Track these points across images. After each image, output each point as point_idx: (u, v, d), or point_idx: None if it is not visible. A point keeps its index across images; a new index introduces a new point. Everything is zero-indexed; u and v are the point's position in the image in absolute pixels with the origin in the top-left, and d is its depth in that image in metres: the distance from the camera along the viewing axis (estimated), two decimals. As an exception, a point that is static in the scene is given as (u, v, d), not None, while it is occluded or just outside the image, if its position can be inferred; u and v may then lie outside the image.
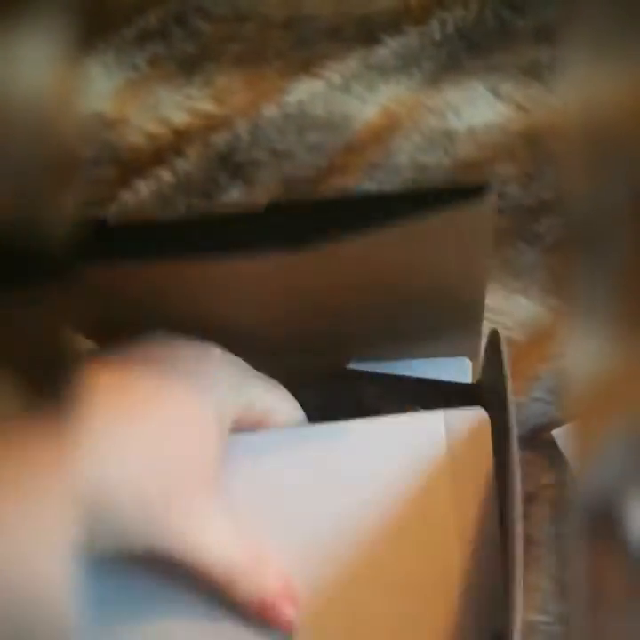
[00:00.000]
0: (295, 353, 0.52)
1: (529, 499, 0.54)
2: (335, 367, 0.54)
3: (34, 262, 0.23)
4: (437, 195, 0.39)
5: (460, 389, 0.49)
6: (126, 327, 0.49)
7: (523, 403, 0.57)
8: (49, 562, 0.23)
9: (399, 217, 0.38)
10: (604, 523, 0.26)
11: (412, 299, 0.46)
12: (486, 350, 0.48)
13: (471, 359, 0.51)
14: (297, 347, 0.51)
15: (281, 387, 0.47)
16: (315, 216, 0.40)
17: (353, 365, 0.54)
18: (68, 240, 0.23)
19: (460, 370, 0.51)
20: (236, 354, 0.51)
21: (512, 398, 0.43)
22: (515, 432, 0.42)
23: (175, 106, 0.75)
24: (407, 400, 0.52)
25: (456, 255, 0.43)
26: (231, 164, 0.72)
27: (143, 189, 0.71)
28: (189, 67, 0.78)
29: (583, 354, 0.26)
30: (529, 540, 0.53)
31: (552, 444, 0.56)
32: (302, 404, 0.53)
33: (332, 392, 0.54)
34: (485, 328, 0.49)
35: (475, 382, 0.51)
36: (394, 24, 0.78)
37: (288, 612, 0.41)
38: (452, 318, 0.48)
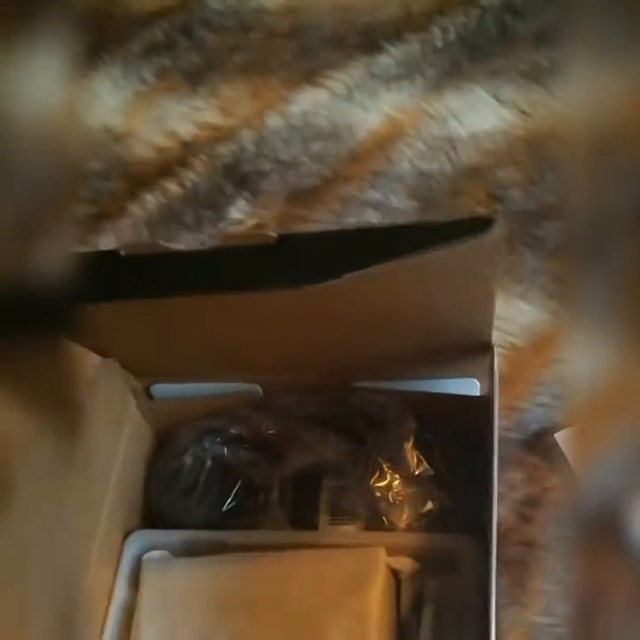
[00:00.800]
0: (305, 371, 0.53)
1: (532, 503, 0.55)
2: (346, 384, 0.55)
3: (33, 308, 0.23)
4: (446, 227, 0.40)
5: (463, 403, 0.50)
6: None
7: (526, 408, 0.58)
8: None
9: (409, 249, 0.39)
10: (606, 527, 0.26)
11: (420, 326, 0.47)
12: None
13: (480, 379, 0.52)
14: (306, 366, 0.53)
15: None
16: (326, 249, 0.41)
17: (360, 383, 0.55)
18: (67, 279, 0.24)
19: (468, 390, 0.52)
20: (251, 371, 0.53)
21: (496, 417, 0.45)
22: (495, 448, 0.45)
23: (181, 117, 0.76)
24: (411, 411, 0.53)
25: (464, 285, 0.44)
26: (237, 175, 0.73)
27: (150, 201, 0.72)
28: (195, 78, 0.79)
29: (585, 359, 0.27)
30: (533, 544, 0.54)
31: (555, 447, 0.57)
32: (312, 417, 0.55)
33: (341, 404, 0.55)
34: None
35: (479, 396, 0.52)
36: (396, 32, 0.79)
37: None
38: (461, 342, 0.48)
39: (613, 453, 0.27)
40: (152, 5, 0.84)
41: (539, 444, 0.57)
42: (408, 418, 0.54)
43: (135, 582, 0.53)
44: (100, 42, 0.82)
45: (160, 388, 0.57)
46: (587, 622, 0.27)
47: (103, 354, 0.54)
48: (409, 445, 0.53)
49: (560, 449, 0.57)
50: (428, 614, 0.48)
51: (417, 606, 0.49)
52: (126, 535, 0.54)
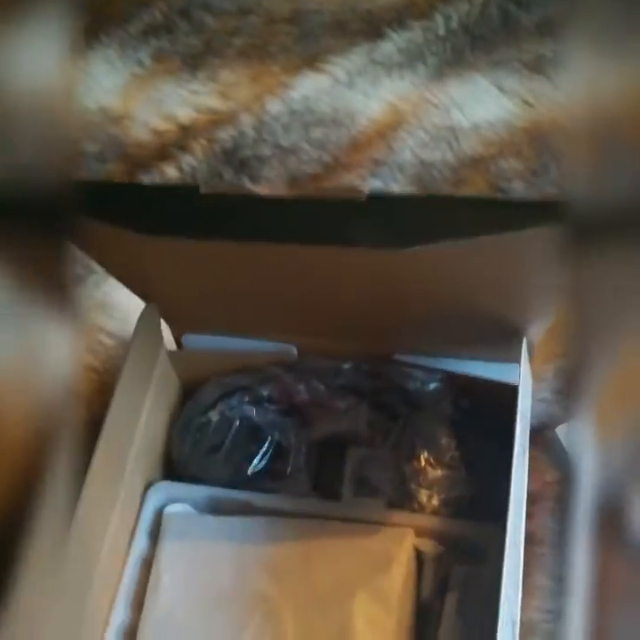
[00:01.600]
0: (343, 337, 0.52)
1: (533, 497, 0.54)
2: (385, 356, 0.54)
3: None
4: (519, 206, 0.39)
5: (501, 389, 0.48)
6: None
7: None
8: None
9: (482, 227, 0.38)
10: (608, 521, 0.26)
11: (469, 303, 0.46)
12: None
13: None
14: (346, 331, 0.51)
15: None
16: (399, 214, 0.40)
17: (400, 356, 0.54)
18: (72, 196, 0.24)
19: (510, 376, 0.50)
20: (288, 330, 0.52)
21: (525, 396, 0.44)
22: (523, 422, 0.44)
23: (180, 101, 0.75)
24: (449, 392, 0.52)
25: (523, 269, 0.43)
26: (236, 160, 0.72)
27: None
28: (194, 61, 0.78)
29: (588, 351, 0.26)
30: (532, 539, 0.53)
31: (556, 442, 0.57)
32: (345, 386, 0.54)
33: (377, 375, 0.54)
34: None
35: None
36: (398, 19, 0.78)
37: None
38: (504, 326, 0.48)
39: (614, 449, 0.26)
40: (151, -14, 0.82)
41: (539, 438, 0.57)
42: (446, 399, 0.53)
43: (155, 533, 0.53)
44: (98, 23, 0.80)
45: (192, 339, 0.56)
46: (587, 617, 0.27)
47: (145, 299, 0.54)
48: (444, 428, 0.52)
49: (561, 443, 0.57)
50: (451, 600, 0.47)
51: (441, 590, 0.49)
52: (147, 486, 0.54)
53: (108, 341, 0.65)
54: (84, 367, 0.64)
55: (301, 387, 0.54)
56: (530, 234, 0.38)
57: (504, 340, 0.47)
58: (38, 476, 0.25)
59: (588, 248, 0.27)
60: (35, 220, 0.24)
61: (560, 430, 0.57)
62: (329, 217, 0.41)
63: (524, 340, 0.47)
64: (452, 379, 0.53)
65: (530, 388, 0.50)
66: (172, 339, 0.56)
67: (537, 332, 0.49)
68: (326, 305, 0.49)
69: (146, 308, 0.53)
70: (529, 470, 0.55)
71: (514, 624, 0.42)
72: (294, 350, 0.55)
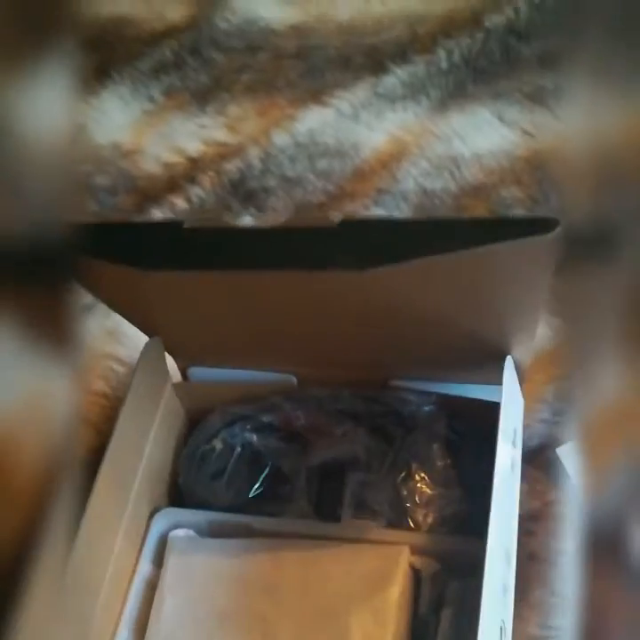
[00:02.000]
0: (340, 366, 0.54)
1: (533, 517, 0.55)
2: (380, 382, 0.55)
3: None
4: (505, 224, 0.40)
5: (494, 409, 0.49)
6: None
7: (527, 423, 0.58)
8: None
9: (465, 244, 0.39)
10: (608, 543, 0.26)
11: (456, 328, 0.47)
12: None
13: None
14: (342, 360, 0.53)
15: None
16: (381, 236, 0.42)
17: (395, 382, 0.55)
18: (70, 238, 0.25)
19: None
20: (287, 361, 0.54)
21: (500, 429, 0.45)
22: (505, 439, 0.45)
23: (189, 135, 0.77)
24: (443, 413, 0.53)
25: (510, 288, 0.44)
26: (243, 191, 0.74)
27: (158, 217, 0.73)
28: (203, 96, 0.80)
29: (588, 376, 0.27)
30: (533, 557, 0.54)
31: (557, 462, 0.57)
32: (343, 411, 0.55)
33: (374, 400, 0.55)
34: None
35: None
36: (401, 53, 0.80)
37: None
38: (495, 350, 0.49)
39: (616, 472, 0.27)
40: (161, 25, 0.85)
41: (540, 458, 0.58)
42: (439, 420, 0.54)
43: (159, 558, 0.54)
44: (109, 61, 0.83)
45: (197, 371, 0.58)
46: (589, 637, 0.27)
47: (149, 333, 0.55)
48: (438, 448, 0.53)
49: (562, 464, 0.57)
50: (446, 615, 0.48)
51: (437, 607, 0.50)
52: (153, 512, 0.55)
53: (119, 368, 0.66)
54: (95, 393, 0.65)
55: (300, 414, 0.56)
56: (505, 248, 0.39)
57: (493, 364, 0.48)
58: (45, 511, 0.25)
59: (578, 264, 0.27)
60: (38, 266, 0.25)
61: (560, 451, 0.57)
62: (305, 244, 0.42)
63: (508, 358, 0.48)
64: (445, 401, 0.54)
65: (517, 406, 0.51)
66: (177, 371, 0.58)
67: (524, 352, 0.50)
68: (319, 333, 0.50)
69: (149, 341, 0.55)
70: (530, 489, 0.56)
71: (503, 631, 0.43)
72: (294, 380, 0.57)
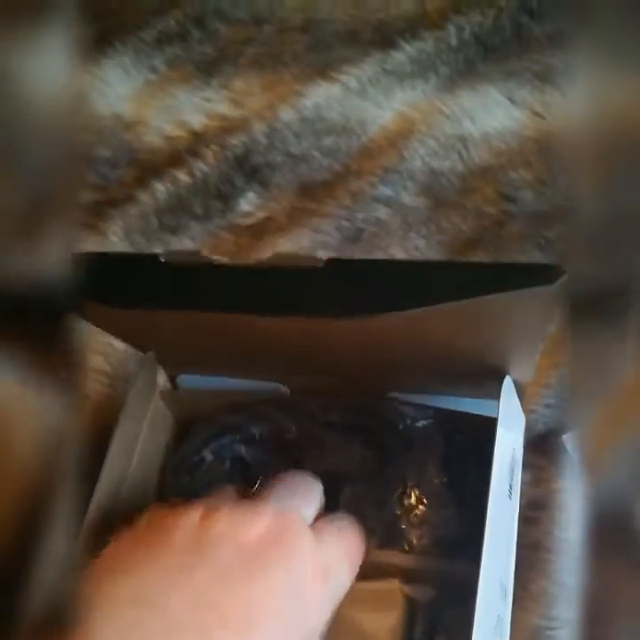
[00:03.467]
0: (336, 377, 0.52)
1: (537, 505, 0.54)
2: (376, 394, 0.54)
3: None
4: (510, 271, 0.38)
5: (492, 424, 0.48)
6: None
7: (534, 409, 0.57)
8: None
9: (466, 290, 0.37)
10: (614, 531, 0.26)
11: (456, 361, 0.46)
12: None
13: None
14: (337, 373, 0.52)
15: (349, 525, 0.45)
16: (374, 279, 0.40)
17: (392, 394, 0.54)
18: (69, 276, 0.24)
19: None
20: (280, 371, 0.53)
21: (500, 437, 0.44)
22: (502, 456, 0.44)
23: (192, 108, 0.76)
24: (440, 429, 0.52)
25: (513, 333, 0.43)
26: (247, 167, 0.72)
27: (160, 190, 0.71)
28: (207, 69, 0.79)
29: (593, 358, 0.26)
30: (536, 546, 0.53)
31: (562, 449, 0.57)
32: (336, 424, 0.54)
33: (369, 413, 0.54)
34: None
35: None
36: (411, 29, 0.79)
37: None
38: (496, 374, 0.48)
39: (621, 457, 0.26)
40: (166, -5, 0.83)
41: (545, 445, 0.57)
42: (437, 435, 0.52)
43: None
44: (113, 30, 0.81)
45: (186, 379, 0.56)
46: (592, 627, 0.27)
47: (138, 347, 0.55)
48: (435, 465, 0.51)
49: (567, 451, 0.57)
50: None
51: (430, 634, 0.48)
52: None
53: (119, 345, 0.65)
54: (94, 370, 0.64)
55: (292, 425, 0.54)
56: (507, 298, 0.37)
57: (492, 381, 0.47)
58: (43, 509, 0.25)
59: (596, 255, 0.27)
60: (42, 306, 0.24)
61: (566, 438, 0.57)
62: (292, 284, 0.41)
63: (506, 379, 0.47)
64: (443, 416, 0.52)
65: (516, 427, 0.50)
66: (166, 380, 0.57)
67: (523, 370, 0.48)
68: (314, 346, 0.49)
69: (143, 358, 0.54)
70: (534, 477, 0.55)
71: None
72: (286, 389, 0.55)
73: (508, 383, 0.47)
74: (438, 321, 0.41)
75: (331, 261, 0.39)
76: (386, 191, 0.70)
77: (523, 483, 0.54)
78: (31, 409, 0.25)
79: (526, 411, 0.57)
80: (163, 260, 0.41)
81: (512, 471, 0.47)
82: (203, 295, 0.43)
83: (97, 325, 0.52)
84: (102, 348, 0.65)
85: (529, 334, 0.43)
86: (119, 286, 0.44)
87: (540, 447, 0.57)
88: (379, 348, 0.46)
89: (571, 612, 0.51)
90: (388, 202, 0.69)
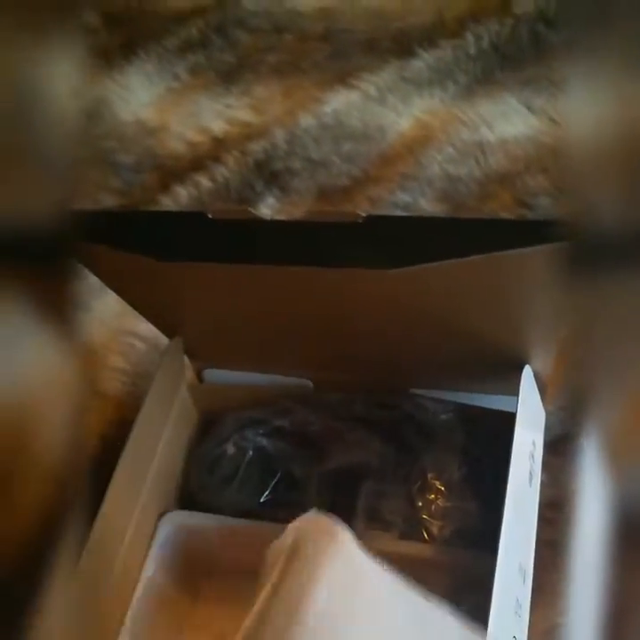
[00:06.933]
0: (359, 371, 0.53)
1: (555, 505, 0.55)
2: (397, 389, 0.54)
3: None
4: (530, 226, 0.39)
5: (513, 419, 0.49)
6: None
7: (551, 410, 0.58)
8: None
9: (491, 245, 0.39)
10: (633, 532, 0.26)
11: (476, 336, 0.47)
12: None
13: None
14: (361, 366, 0.52)
15: None
16: (405, 234, 0.41)
17: (415, 390, 0.55)
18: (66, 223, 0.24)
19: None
20: (304, 365, 0.53)
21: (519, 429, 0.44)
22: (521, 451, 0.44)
23: (214, 114, 0.77)
24: (462, 424, 0.53)
25: (523, 291, 0.43)
26: (268, 172, 0.73)
27: (182, 194, 0.72)
28: (229, 76, 0.80)
29: (610, 360, 0.27)
30: (553, 546, 0.54)
31: (581, 450, 0.57)
32: (359, 418, 0.54)
33: (391, 407, 0.54)
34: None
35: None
36: (429, 37, 0.80)
37: None
38: (515, 360, 0.48)
39: (635, 464, 0.26)
40: (188, 4, 0.85)
41: (563, 446, 0.57)
42: (458, 430, 0.53)
43: (165, 561, 0.53)
44: (136, 38, 0.82)
45: (212, 373, 0.57)
46: (613, 626, 0.27)
47: (165, 331, 0.55)
48: (456, 458, 0.52)
49: (586, 452, 0.57)
50: None
51: None
52: (161, 515, 0.54)
53: (138, 344, 0.66)
54: (114, 369, 0.65)
55: (315, 419, 0.55)
56: (527, 253, 0.38)
57: (514, 374, 0.48)
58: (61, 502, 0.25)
59: (593, 271, 0.27)
60: (37, 251, 0.25)
61: (585, 439, 0.57)
62: (328, 239, 0.42)
63: (526, 368, 0.48)
64: (463, 410, 0.53)
65: (536, 417, 0.50)
66: (193, 373, 0.58)
67: (544, 361, 0.49)
68: (337, 335, 0.49)
69: (171, 343, 0.55)
70: (552, 478, 0.56)
71: None
72: (310, 384, 0.56)
73: (527, 373, 0.47)
74: (464, 279, 0.42)
75: (369, 217, 0.40)
76: (404, 197, 0.71)
77: (541, 483, 0.55)
78: (60, 390, 0.25)
79: (545, 412, 0.58)
80: (210, 217, 0.42)
81: (532, 457, 0.47)
82: (243, 251, 0.44)
83: (131, 304, 0.53)
84: (123, 348, 0.66)
85: (546, 310, 0.43)
86: (155, 240, 0.46)
87: (558, 448, 0.57)
88: (401, 333, 0.47)
89: (588, 612, 0.52)
90: (406, 208, 0.70)
